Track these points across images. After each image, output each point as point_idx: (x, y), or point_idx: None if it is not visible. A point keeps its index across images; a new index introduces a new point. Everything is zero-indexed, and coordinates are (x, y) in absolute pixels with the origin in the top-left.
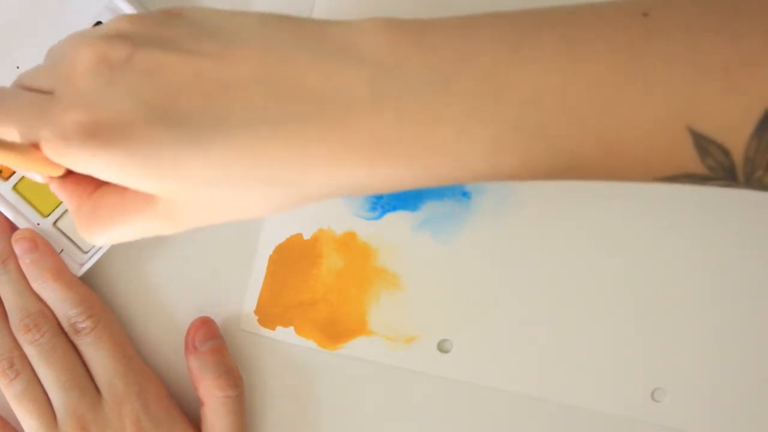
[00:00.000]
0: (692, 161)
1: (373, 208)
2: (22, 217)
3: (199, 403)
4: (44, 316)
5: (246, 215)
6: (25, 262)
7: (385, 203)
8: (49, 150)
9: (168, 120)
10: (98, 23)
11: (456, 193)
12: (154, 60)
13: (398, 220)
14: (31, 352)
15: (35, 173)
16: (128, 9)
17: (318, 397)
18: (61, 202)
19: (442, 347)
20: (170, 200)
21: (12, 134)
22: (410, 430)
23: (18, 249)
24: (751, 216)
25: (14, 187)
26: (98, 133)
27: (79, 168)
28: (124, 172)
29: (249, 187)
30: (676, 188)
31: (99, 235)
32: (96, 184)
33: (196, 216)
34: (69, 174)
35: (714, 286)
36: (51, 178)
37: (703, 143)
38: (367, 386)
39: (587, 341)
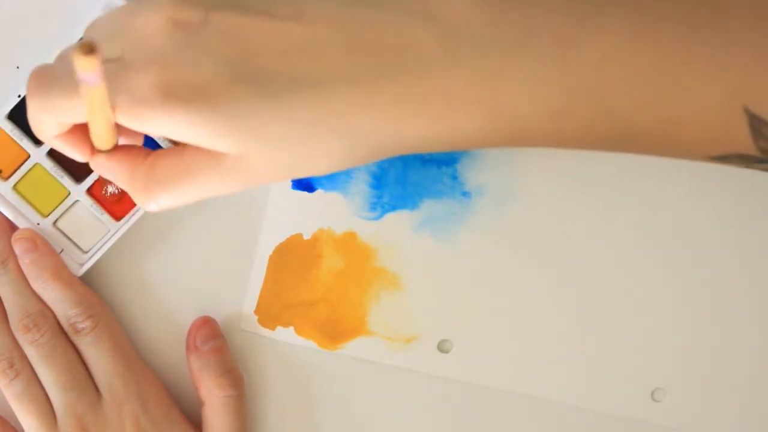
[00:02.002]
0: (745, 142)
1: (373, 208)
2: (22, 217)
3: (199, 403)
4: (44, 316)
5: (313, 171)
6: (25, 262)
7: (385, 203)
8: (124, 115)
9: (248, 78)
10: None
11: (456, 192)
12: (231, 22)
13: (398, 220)
14: (30, 352)
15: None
16: None
17: (318, 397)
18: (60, 202)
19: (442, 347)
20: (240, 158)
21: (80, 108)
22: (410, 430)
23: (18, 249)
24: (753, 217)
25: (14, 187)
26: (178, 91)
27: (154, 130)
28: (203, 130)
29: (323, 142)
30: (677, 190)
31: (159, 199)
32: (145, 151)
33: (264, 173)
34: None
35: (715, 286)
36: (97, 153)
37: (757, 125)
38: (367, 386)
39: (587, 341)
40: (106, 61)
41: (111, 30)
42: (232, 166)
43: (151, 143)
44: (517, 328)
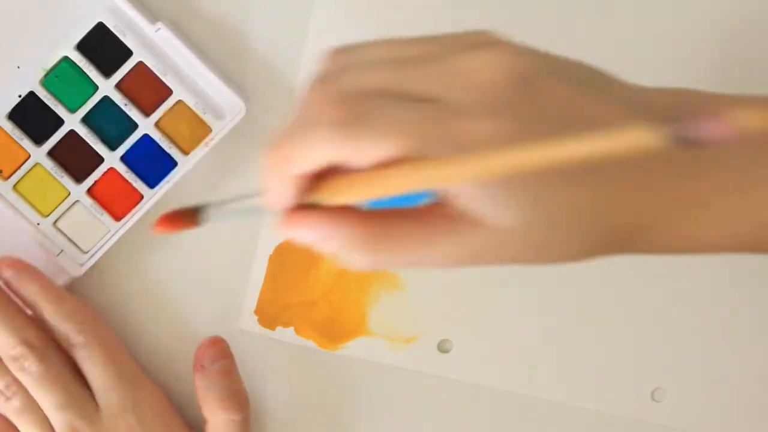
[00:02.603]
0: None
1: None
2: (22, 216)
3: (202, 420)
4: (31, 343)
5: (565, 259)
6: (11, 288)
7: (385, 202)
8: (432, 167)
9: None
10: (99, 24)
11: None
12: (559, 87)
13: None
14: (23, 379)
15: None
16: (128, 10)
17: (318, 397)
18: (61, 202)
19: (443, 347)
20: (492, 233)
21: (381, 149)
22: (410, 430)
23: (1, 275)
24: None
25: (14, 187)
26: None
27: (456, 187)
28: (499, 192)
29: (586, 227)
30: None
31: (379, 256)
32: (359, 212)
33: (504, 253)
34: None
35: (714, 286)
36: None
37: None
38: (367, 386)
39: (587, 341)
40: (415, 99)
41: (412, 64)
42: (474, 241)
43: (147, 145)
44: (517, 327)
